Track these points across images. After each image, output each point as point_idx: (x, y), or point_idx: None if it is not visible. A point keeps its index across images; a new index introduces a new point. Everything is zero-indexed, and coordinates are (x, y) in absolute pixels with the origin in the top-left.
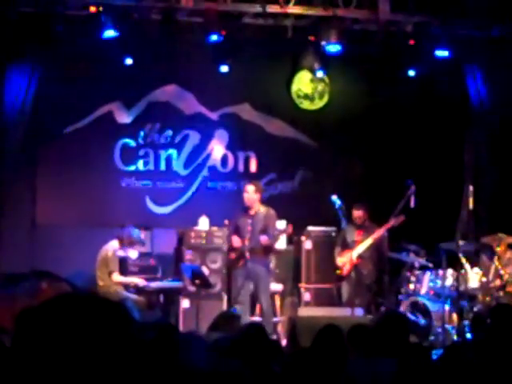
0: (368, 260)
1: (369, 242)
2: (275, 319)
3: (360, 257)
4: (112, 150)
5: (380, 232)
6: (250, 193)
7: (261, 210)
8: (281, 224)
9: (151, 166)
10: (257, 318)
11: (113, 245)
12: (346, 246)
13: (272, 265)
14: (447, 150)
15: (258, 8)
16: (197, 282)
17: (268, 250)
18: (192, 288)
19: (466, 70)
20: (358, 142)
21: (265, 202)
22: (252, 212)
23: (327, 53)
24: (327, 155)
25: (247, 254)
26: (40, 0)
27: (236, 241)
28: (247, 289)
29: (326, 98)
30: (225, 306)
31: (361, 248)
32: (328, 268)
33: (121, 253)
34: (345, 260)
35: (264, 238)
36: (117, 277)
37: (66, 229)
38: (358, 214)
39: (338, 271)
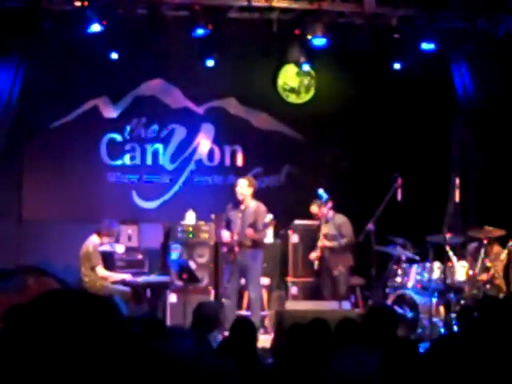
0: (331, 251)
1: (324, 231)
2: (263, 313)
3: (323, 249)
4: (98, 144)
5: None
6: (243, 187)
7: (251, 204)
8: (268, 217)
9: (137, 161)
10: (244, 312)
11: (92, 240)
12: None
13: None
14: (434, 142)
15: (243, 2)
16: (184, 276)
17: (256, 242)
18: (179, 282)
19: (452, 63)
20: (345, 136)
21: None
22: (243, 207)
23: (313, 46)
24: (314, 149)
25: (236, 249)
26: None
27: (225, 236)
28: (234, 283)
29: (312, 92)
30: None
31: (322, 240)
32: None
33: (107, 247)
34: (315, 254)
35: (249, 231)
36: (101, 270)
37: (53, 224)
38: (312, 210)
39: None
